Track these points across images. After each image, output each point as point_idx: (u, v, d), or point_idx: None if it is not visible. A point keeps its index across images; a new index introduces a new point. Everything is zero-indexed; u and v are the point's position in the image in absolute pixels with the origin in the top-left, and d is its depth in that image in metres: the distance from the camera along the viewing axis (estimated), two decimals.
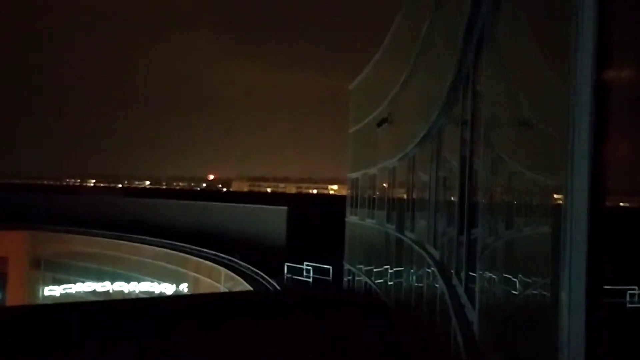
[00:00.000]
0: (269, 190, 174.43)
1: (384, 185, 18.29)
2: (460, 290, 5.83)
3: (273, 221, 38.61)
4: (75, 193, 79.62)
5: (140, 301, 26.65)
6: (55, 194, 68.82)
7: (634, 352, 1.98)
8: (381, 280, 16.97)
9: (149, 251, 39.76)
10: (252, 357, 10.17)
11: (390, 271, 15.50)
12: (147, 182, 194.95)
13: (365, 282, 19.68)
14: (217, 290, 31.04)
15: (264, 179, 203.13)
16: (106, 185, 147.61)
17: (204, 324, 12.66)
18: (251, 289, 27.26)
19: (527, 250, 3.01)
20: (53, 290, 42.14)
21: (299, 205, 46.90)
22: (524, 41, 3.14)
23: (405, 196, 14.91)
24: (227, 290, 30.11)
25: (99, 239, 43.06)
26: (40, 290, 44.21)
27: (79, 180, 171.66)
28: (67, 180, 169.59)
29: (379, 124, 17.65)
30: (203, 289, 33.08)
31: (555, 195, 2.22)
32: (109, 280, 40.46)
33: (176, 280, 36.78)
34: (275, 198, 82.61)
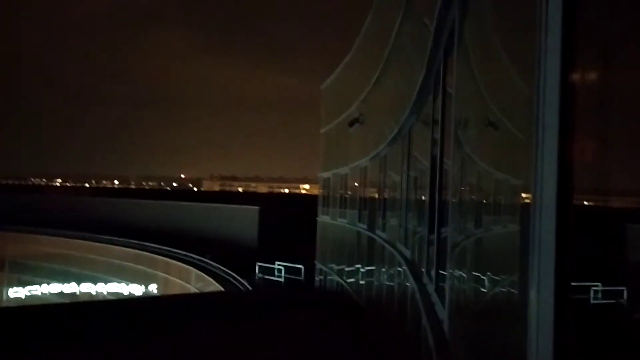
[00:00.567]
0: (240, 189, 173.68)
1: (356, 184, 18.36)
2: (431, 288, 5.88)
3: (245, 221, 38.50)
4: (41, 193, 78.29)
5: (107, 303, 26.31)
6: (20, 193, 67.57)
7: (599, 348, 2.02)
8: (353, 280, 17.04)
9: (117, 252, 39.29)
10: (222, 359, 10.12)
11: (361, 270, 15.57)
12: (116, 182, 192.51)
13: (337, 282, 19.73)
14: (187, 291, 30.79)
15: (235, 179, 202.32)
16: (73, 185, 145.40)
17: (173, 325, 12.54)
18: (222, 289, 27.11)
19: (496, 248, 3.05)
20: (18, 292, 41.29)
21: (270, 204, 46.82)
22: (492, 43, 3.19)
23: (376, 195, 15.00)
24: (197, 291, 29.88)
25: (65, 239, 42.40)
26: (5, 292, 43.30)
27: (44, 180, 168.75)
28: (33, 179, 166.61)
29: (351, 124, 17.72)
30: (173, 290, 32.79)
31: (524, 195, 2.26)
32: (76, 282, 39.83)
33: (145, 281, 36.38)
34: (247, 198, 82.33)
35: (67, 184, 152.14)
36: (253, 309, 15.81)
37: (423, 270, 6.88)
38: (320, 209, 24.21)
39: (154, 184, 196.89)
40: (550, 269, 1.84)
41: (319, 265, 23.57)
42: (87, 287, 39.07)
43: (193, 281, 31.89)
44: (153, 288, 35.84)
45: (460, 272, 4.12)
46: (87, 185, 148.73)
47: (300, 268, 29.22)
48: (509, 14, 2.74)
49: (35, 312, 15.86)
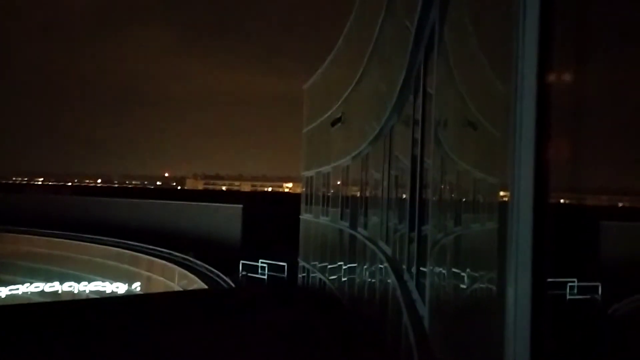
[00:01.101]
0: (223, 188, 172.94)
1: (338, 183, 18.40)
2: (412, 285, 5.93)
3: (228, 219, 38.39)
4: (23, 191, 77.34)
5: (90, 302, 26.09)
6: (0, 192, 66.66)
7: (575, 341, 2.07)
8: (335, 277, 17.08)
9: (99, 250, 38.96)
10: (206, 356, 10.10)
11: (344, 267, 15.61)
12: (99, 180, 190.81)
13: (320, 279, 19.77)
14: (170, 289, 30.63)
15: (219, 177, 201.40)
16: (55, 183, 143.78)
17: (157, 323, 12.50)
18: (206, 287, 27.01)
19: (475, 245, 3.09)
20: None
21: (254, 203, 46.71)
22: (471, 45, 3.23)
23: (358, 194, 15.05)
24: (181, 289, 29.74)
25: (47, 238, 41.96)
26: None
27: (26, 179, 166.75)
28: (14, 178, 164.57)
29: (333, 124, 17.76)
30: (156, 288, 32.59)
31: (502, 193, 2.29)
32: (58, 281, 39.39)
33: (128, 279, 36.11)
34: (231, 196, 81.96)
35: (49, 183, 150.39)
36: (236, 306, 15.78)
37: (404, 267, 6.93)
38: (303, 207, 24.22)
39: (137, 182, 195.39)
40: (527, 265, 1.87)
41: (302, 263, 23.60)
42: (69, 286, 38.66)
43: (177, 279, 31.73)
44: (136, 286, 35.59)
45: (441, 269, 4.17)
46: (69, 183, 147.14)
47: (283, 265, 29.21)
48: (487, 16, 2.79)
49: (17, 311, 15.70)
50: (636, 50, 1.99)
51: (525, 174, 1.90)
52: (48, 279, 39.71)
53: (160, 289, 31.56)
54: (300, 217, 24.20)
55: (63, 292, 38.30)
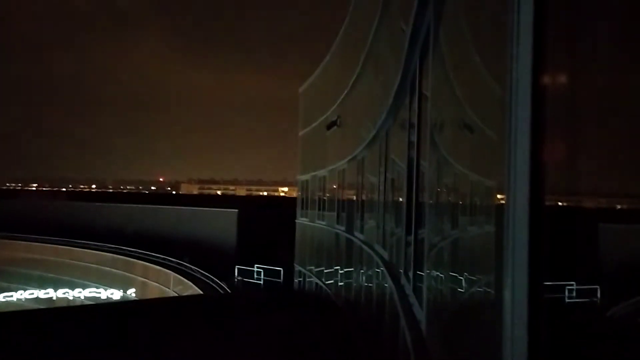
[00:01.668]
0: (219, 192, 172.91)
1: (334, 187, 18.39)
2: (409, 289, 5.91)
3: (223, 224, 38.34)
4: (17, 197, 77.12)
5: (85, 308, 26.01)
6: None
7: (573, 345, 2.06)
8: (331, 281, 17.05)
9: (94, 256, 38.89)
10: None
11: (340, 272, 15.59)
12: (93, 186, 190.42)
13: (316, 283, 19.74)
14: (166, 295, 30.57)
15: (214, 182, 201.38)
16: (49, 189, 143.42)
17: (152, 329, 12.45)
18: (201, 292, 26.97)
19: (472, 249, 3.08)
20: None
21: (249, 207, 46.68)
22: (466, 46, 3.23)
23: (354, 197, 15.04)
24: (176, 295, 29.69)
25: (41, 244, 41.84)
26: None
27: (20, 185, 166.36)
28: (8, 184, 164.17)
29: (329, 127, 17.76)
30: (151, 294, 32.54)
31: (498, 196, 2.28)
32: (52, 287, 39.27)
33: (123, 285, 36.04)
34: (226, 201, 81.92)
35: (43, 188, 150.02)
36: (232, 312, 15.74)
37: (401, 271, 6.91)
38: (299, 211, 24.20)
39: (132, 187, 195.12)
40: (523, 268, 1.86)
41: (298, 268, 23.56)
42: (64, 292, 38.54)
43: (172, 285, 31.68)
44: (131, 292, 35.50)
45: (438, 273, 4.16)
46: (63, 189, 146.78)
47: (279, 270, 29.19)
48: (482, 17, 2.78)
49: (10, 318, 15.62)
50: (632, 51, 1.98)
51: (521, 177, 1.89)
52: (42, 285, 39.60)
53: (156, 295, 31.52)
54: (296, 221, 24.18)
55: (57, 298, 38.19)
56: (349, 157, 14.96)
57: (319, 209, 20.51)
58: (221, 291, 27.49)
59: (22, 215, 47.88)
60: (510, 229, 1.90)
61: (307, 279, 21.61)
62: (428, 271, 4.57)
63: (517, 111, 1.90)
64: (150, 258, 35.09)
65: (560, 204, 2.06)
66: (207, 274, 29.92)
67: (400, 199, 7.43)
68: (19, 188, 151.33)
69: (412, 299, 5.54)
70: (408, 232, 6.35)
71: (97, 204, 53.10)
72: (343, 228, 15.87)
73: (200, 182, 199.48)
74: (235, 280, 30.57)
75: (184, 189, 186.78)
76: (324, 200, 19.90)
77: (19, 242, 42.95)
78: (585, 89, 2.02)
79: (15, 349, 10.41)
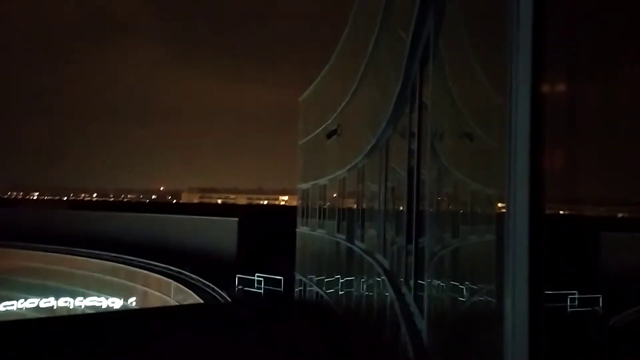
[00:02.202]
0: (219, 201, 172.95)
1: (334, 195, 18.39)
2: (410, 298, 5.89)
3: (224, 233, 38.30)
4: (19, 206, 77.16)
5: (86, 317, 25.96)
6: None
7: (575, 355, 2.05)
8: (332, 290, 17.01)
9: (95, 265, 38.83)
10: None
11: (341, 281, 15.55)
12: (94, 195, 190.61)
13: (317, 292, 19.69)
14: (166, 304, 30.51)
15: (214, 190, 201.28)
16: (51, 197, 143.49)
17: (153, 338, 12.42)
18: (202, 301, 26.93)
19: (473, 258, 3.07)
20: None
21: (249, 216, 46.64)
22: (466, 55, 3.23)
23: (355, 206, 15.02)
24: (177, 304, 29.63)
25: (43, 253, 41.80)
26: None
27: (22, 193, 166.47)
28: (10, 193, 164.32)
29: (329, 136, 17.77)
30: (152, 303, 32.47)
31: (498, 204, 2.28)
32: (53, 296, 39.20)
33: (124, 294, 35.97)
34: (226, 209, 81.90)
35: (45, 197, 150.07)
36: (233, 321, 15.70)
37: (402, 280, 6.89)
38: (299, 220, 24.18)
39: (133, 196, 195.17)
40: (524, 277, 1.85)
41: (298, 277, 23.51)
42: (65, 301, 38.47)
43: (172, 294, 31.62)
44: (132, 301, 35.43)
45: (439, 282, 4.15)
46: (65, 198, 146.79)
47: (279, 279, 29.14)
48: (481, 26, 2.79)
49: (11, 328, 15.59)
50: (632, 58, 1.98)
51: (521, 185, 1.89)
52: (43, 294, 39.53)
53: (157, 304, 31.45)
54: (297, 230, 24.16)
55: (58, 307, 38.11)
56: (349, 166, 14.96)
57: (320, 218, 20.49)
58: (222, 300, 27.44)
59: (23, 223, 47.87)
60: (510, 237, 1.89)
61: (308, 288, 21.55)
62: (429, 280, 4.56)
63: (516, 119, 1.90)
64: (151, 267, 35.04)
65: (560, 212, 2.06)
66: (207, 283, 29.87)
67: (401, 208, 7.42)
68: (21, 197, 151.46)
69: (413, 308, 5.52)
70: (409, 241, 6.34)
71: (98, 212, 53.08)
72: (343, 237, 15.85)
73: (201, 190, 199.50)
74: (236, 289, 30.52)
75: (185, 198, 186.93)
76: (325, 209, 19.88)
77: (20, 250, 42.90)
78: (584, 98, 2.02)
79: (16, 358, 10.38)
